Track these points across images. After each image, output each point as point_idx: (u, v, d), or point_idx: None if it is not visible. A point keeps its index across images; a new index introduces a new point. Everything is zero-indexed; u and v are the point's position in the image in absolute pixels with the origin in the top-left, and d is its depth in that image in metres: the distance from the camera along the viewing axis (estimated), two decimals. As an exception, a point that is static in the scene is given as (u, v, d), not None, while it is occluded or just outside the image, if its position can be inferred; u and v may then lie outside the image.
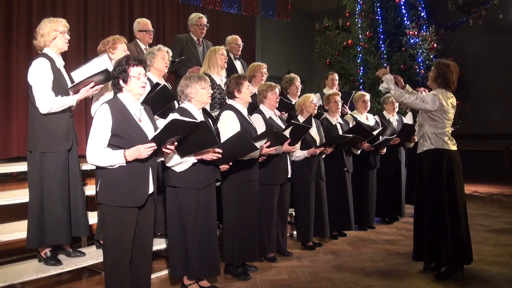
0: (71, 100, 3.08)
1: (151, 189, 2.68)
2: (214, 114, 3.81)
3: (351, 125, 4.72)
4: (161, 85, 3.33)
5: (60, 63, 3.19)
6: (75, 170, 3.22)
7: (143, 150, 2.51)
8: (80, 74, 3.12)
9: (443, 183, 3.43)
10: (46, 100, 3.00)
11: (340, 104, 4.73)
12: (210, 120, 3.37)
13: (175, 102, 3.61)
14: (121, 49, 3.47)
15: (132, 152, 2.52)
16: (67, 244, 3.30)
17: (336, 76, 5.61)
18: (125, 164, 2.54)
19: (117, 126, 2.56)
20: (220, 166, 3.19)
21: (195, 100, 3.11)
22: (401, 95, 3.58)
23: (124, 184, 2.58)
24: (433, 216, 3.43)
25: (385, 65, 6.97)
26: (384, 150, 5.00)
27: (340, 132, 4.57)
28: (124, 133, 2.57)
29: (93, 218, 3.49)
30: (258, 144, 3.26)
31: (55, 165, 3.08)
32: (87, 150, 2.57)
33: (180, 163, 2.96)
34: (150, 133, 2.64)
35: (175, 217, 3.08)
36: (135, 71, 2.63)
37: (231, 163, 3.26)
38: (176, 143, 2.69)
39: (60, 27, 3.14)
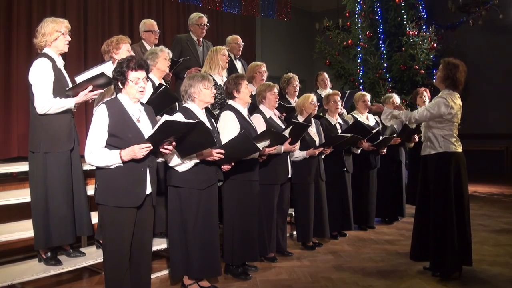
0: (69, 103, 3.06)
1: (148, 190, 2.67)
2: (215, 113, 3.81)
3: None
4: (163, 87, 3.32)
5: (60, 63, 3.19)
6: (77, 170, 3.22)
7: (138, 151, 2.51)
8: (82, 79, 3.10)
9: (451, 186, 3.40)
10: (44, 101, 2.99)
11: (339, 104, 4.74)
12: (213, 120, 3.37)
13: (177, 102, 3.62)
14: (124, 49, 3.45)
15: (128, 153, 2.52)
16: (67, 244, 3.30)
17: (325, 75, 5.62)
18: (121, 164, 2.54)
19: (114, 126, 2.56)
20: (222, 166, 3.19)
21: (199, 100, 3.11)
22: (409, 115, 3.58)
23: (121, 185, 2.57)
24: (439, 218, 3.40)
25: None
26: (385, 150, 5.00)
27: (340, 132, 4.57)
28: (120, 133, 2.57)
29: (94, 217, 3.48)
30: (260, 145, 3.26)
31: (58, 165, 3.08)
32: (85, 150, 2.57)
33: (182, 163, 2.96)
34: (148, 133, 2.63)
35: (177, 217, 3.08)
36: (134, 75, 2.60)
37: (233, 164, 3.26)
38: (174, 143, 2.68)
39: (62, 28, 3.13)
